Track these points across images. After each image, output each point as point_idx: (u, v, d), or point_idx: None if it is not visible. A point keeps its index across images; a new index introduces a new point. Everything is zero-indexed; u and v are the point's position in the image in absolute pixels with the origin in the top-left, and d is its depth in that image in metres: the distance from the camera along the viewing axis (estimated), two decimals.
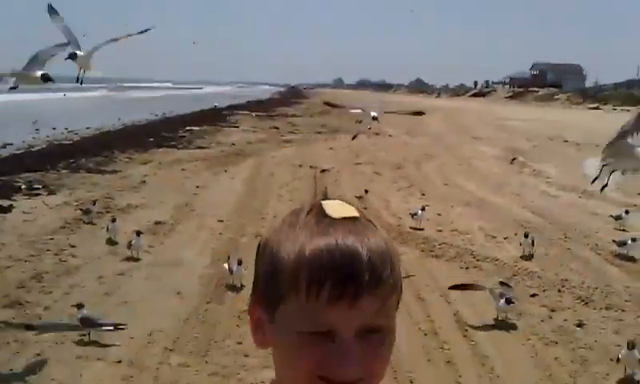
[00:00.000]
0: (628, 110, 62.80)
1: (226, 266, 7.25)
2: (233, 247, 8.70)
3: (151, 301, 6.71)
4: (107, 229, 8.98)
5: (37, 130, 25.03)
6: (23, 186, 12.18)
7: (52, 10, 6.70)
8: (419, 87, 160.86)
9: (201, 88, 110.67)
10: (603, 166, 5.82)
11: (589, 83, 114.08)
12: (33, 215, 10.26)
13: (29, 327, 5.84)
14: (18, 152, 18.06)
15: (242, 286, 7.06)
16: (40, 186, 12.50)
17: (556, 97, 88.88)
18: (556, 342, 5.90)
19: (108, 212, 10.54)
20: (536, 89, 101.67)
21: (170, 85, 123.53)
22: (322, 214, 0.96)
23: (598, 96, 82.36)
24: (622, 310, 6.74)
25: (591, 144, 24.69)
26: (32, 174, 13.94)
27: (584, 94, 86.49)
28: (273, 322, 0.96)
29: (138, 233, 8.28)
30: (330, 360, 0.90)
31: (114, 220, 9.10)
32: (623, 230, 10.03)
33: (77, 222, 9.93)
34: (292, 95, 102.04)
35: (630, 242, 8.65)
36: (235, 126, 31.26)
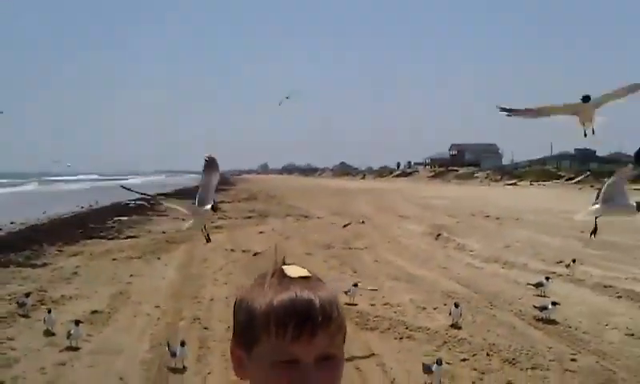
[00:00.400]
0: (544, 185, 65.90)
1: (167, 349, 7.41)
2: (172, 331, 8.85)
3: None
4: (44, 320, 8.98)
5: None
6: None
7: None
8: (344, 170, 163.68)
9: (126, 178, 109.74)
10: (596, 217, 6.34)
11: (505, 161, 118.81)
12: None
13: None
14: None
15: (185, 367, 7.22)
16: None
17: (475, 175, 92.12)
18: None
19: (43, 304, 10.50)
20: (456, 168, 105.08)
21: (95, 177, 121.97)
22: (282, 276, 1.34)
23: (514, 173, 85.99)
24: (547, 369, 7.19)
25: (511, 218, 25.97)
26: None
27: (502, 172, 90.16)
28: (250, 359, 1.32)
29: (77, 322, 8.33)
30: (297, 381, 1.26)
31: (49, 311, 9.10)
32: (544, 296, 10.60)
33: (12, 315, 9.85)
34: (219, 182, 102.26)
35: (550, 306, 9.23)
36: (164, 215, 31.22)
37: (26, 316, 9.81)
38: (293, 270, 1.36)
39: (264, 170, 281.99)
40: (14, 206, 37.99)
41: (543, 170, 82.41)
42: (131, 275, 13.46)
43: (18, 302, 10.28)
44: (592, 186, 60.05)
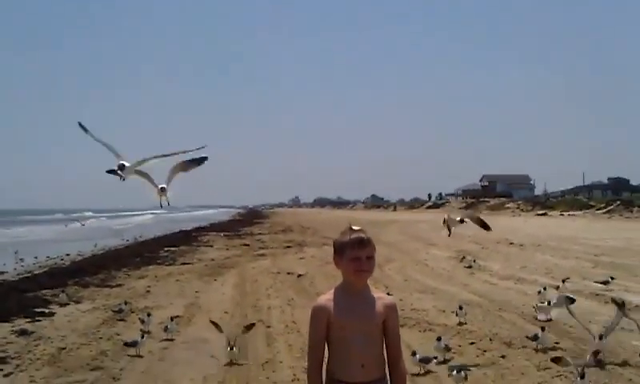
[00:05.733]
0: (574, 215, 67.16)
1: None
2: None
3: (195, 361, 9.17)
4: (141, 322, 11.36)
5: (21, 258, 26.98)
6: (61, 295, 14.47)
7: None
8: (375, 202, 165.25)
9: (154, 213, 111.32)
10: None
11: (538, 191, 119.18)
12: (73, 318, 12.64)
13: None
14: (27, 275, 20.36)
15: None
16: (66, 298, 14.80)
17: (507, 205, 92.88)
18: (485, 365, 8.56)
19: (132, 312, 12.95)
20: (488, 199, 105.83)
21: (126, 213, 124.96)
22: (351, 229, 3.78)
23: (546, 203, 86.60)
24: (534, 349, 9.38)
25: (533, 244, 27.96)
26: (51, 290, 16.20)
27: (533, 202, 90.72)
28: (341, 259, 3.74)
29: (172, 318, 10.79)
30: (359, 265, 3.68)
31: (149, 314, 11.50)
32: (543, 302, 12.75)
33: (111, 319, 12.33)
34: (252, 216, 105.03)
35: (540, 333, 11.43)
36: (209, 245, 33.80)
37: (123, 320, 12.27)
38: (355, 228, 3.75)
39: (295, 203, 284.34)
40: (57, 240, 41.00)
41: (575, 200, 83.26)
42: (196, 291, 15.88)
43: (114, 310, 12.79)
44: (621, 215, 61.62)
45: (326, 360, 3.72)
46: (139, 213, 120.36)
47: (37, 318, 12.59)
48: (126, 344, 9.84)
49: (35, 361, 9.33)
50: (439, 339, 9.10)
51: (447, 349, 9.07)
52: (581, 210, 73.13)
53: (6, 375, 8.68)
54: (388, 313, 3.72)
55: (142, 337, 9.79)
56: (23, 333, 11.20)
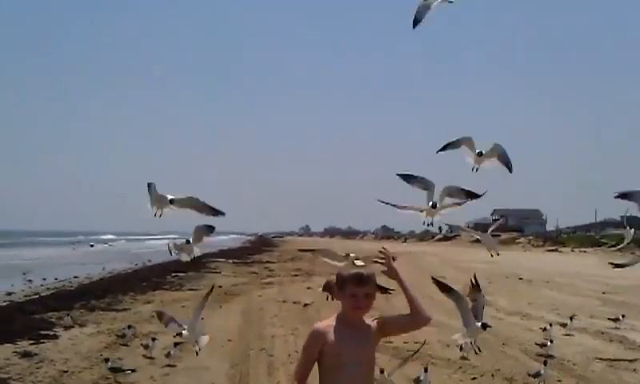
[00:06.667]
0: (585, 251, 66.75)
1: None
2: (244, 357, 11.26)
3: None
4: (145, 347, 11.39)
5: (29, 280, 27.20)
6: (66, 318, 14.55)
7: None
8: (386, 233, 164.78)
9: (163, 239, 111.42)
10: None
11: (550, 226, 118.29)
12: (77, 341, 12.69)
13: None
14: (34, 296, 20.46)
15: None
16: (71, 321, 14.85)
17: (517, 240, 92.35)
18: None
19: (136, 336, 12.97)
20: (498, 233, 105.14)
21: (133, 237, 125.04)
22: (352, 264, 3.97)
23: (558, 239, 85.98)
24: None
25: (541, 280, 27.84)
26: (57, 312, 16.26)
27: (544, 237, 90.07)
28: (341, 293, 3.82)
29: (175, 344, 10.78)
30: (356, 302, 3.78)
31: (153, 339, 11.55)
32: (548, 339, 12.67)
33: (115, 344, 12.37)
34: (262, 244, 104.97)
35: (549, 343, 11.40)
36: (217, 272, 33.82)
37: (125, 345, 12.29)
38: (357, 262, 3.81)
39: (306, 231, 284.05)
40: (65, 263, 41.21)
41: (586, 237, 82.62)
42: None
43: (117, 334, 12.83)
44: (632, 253, 60.92)
45: None
46: (158, 237, 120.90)
47: (41, 340, 12.64)
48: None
49: (37, 383, 9.36)
50: (426, 370, 9.15)
51: None
52: (592, 246, 72.63)
53: None
54: (380, 328, 3.95)
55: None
56: (26, 355, 11.26)
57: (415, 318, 4.00)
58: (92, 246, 65.25)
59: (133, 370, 9.97)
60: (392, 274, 4.04)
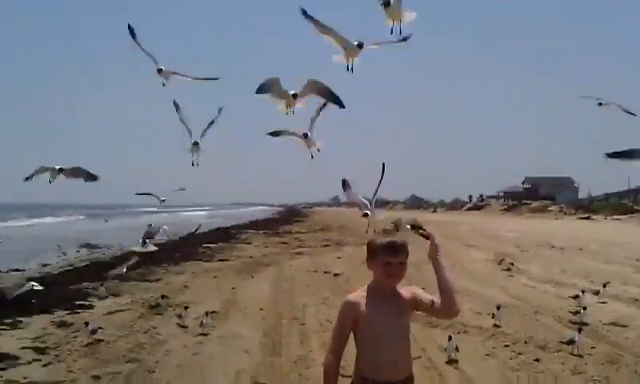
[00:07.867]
0: (618, 219, 65.92)
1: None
2: (277, 326, 11.31)
3: (228, 356, 9.28)
4: (179, 316, 11.53)
5: (64, 253, 27.72)
6: (101, 289, 14.79)
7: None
8: (416, 203, 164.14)
9: (196, 210, 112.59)
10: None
11: (582, 194, 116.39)
12: (111, 311, 12.86)
13: None
14: (68, 268, 20.82)
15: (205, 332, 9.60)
16: (105, 292, 15.05)
17: (549, 208, 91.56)
18: (519, 369, 8.49)
19: (170, 306, 13.13)
20: (529, 202, 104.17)
21: (155, 209, 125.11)
22: (386, 232, 3.82)
23: (590, 207, 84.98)
24: (570, 352, 9.26)
25: (574, 248, 27.58)
26: (91, 283, 16.52)
27: (577, 205, 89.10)
28: (373, 262, 3.81)
29: (207, 313, 10.91)
30: (390, 270, 3.78)
31: (186, 308, 11.71)
32: (580, 307, 12.56)
33: (149, 313, 12.52)
34: (292, 214, 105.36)
35: (582, 310, 11.30)
36: (247, 243, 34.00)
37: (160, 314, 12.45)
38: (389, 229, 3.77)
39: (336, 202, 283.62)
40: (99, 233, 41.88)
41: (620, 204, 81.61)
42: (233, 288, 15.99)
43: (151, 304, 13.02)
44: None
45: (354, 360, 3.91)
46: (196, 208, 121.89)
47: (76, 311, 12.85)
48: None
49: (73, 352, 9.53)
50: (450, 338, 9.14)
51: (457, 349, 9.03)
52: (625, 214, 71.75)
53: (44, 365, 8.88)
54: (414, 299, 3.94)
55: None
56: (62, 324, 11.46)
57: (446, 308, 3.95)
58: (106, 221, 65.90)
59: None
60: (434, 252, 3.99)
